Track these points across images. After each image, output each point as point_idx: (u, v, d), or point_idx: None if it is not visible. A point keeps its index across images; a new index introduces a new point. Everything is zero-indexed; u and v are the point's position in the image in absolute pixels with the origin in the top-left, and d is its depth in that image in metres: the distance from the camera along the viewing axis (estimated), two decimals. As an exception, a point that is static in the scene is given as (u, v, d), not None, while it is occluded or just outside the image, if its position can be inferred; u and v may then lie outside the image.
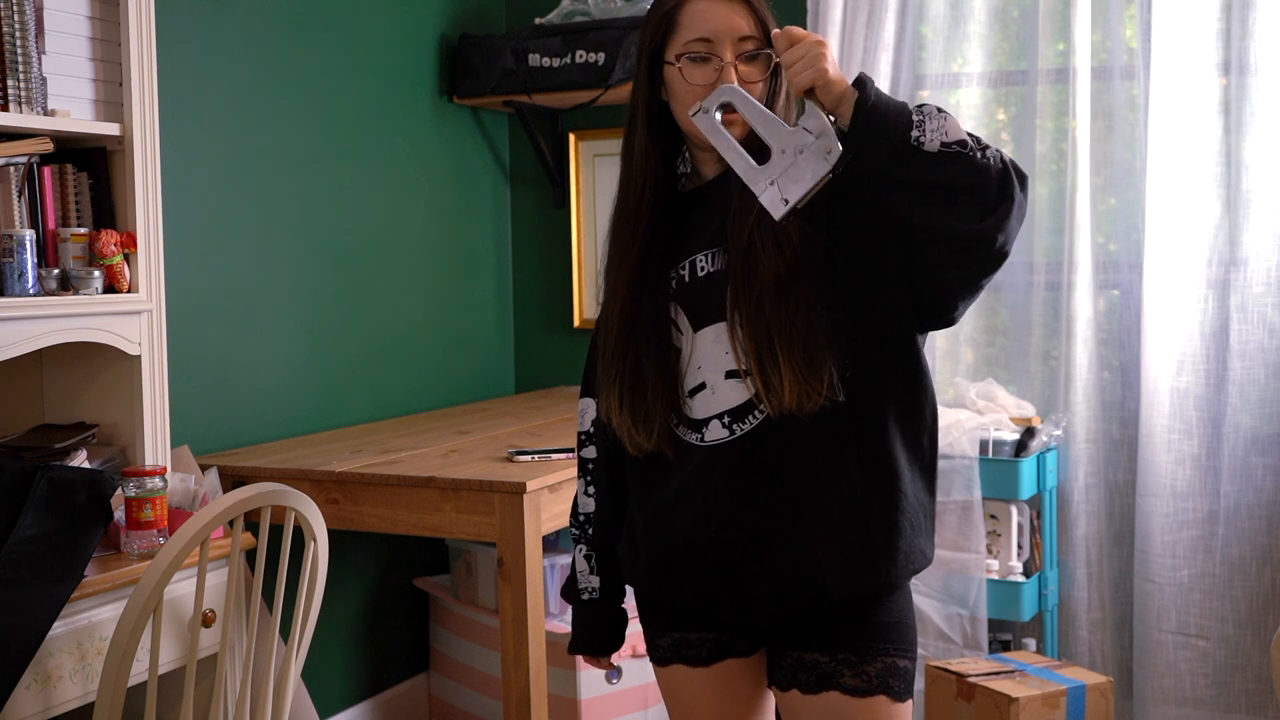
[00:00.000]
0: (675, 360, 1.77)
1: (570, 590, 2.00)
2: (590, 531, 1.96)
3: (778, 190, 1.57)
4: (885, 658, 1.74)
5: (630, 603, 1.99)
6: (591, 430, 1.96)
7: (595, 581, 1.96)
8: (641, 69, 1.80)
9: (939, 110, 1.55)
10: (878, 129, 1.53)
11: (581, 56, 3.78)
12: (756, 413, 1.71)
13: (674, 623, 1.86)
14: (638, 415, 1.78)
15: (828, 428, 1.70)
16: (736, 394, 1.72)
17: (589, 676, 3.23)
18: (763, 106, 1.62)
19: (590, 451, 1.96)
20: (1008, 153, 1.60)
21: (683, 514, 1.77)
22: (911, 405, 1.75)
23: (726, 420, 1.73)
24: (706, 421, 1.75)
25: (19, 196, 2.32)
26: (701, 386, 1.75)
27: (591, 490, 1.96)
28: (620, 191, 1.84)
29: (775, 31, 1.64)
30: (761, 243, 1.69)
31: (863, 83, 1.56)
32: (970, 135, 1.55)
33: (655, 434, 1.77)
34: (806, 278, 1.69)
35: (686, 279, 1.78)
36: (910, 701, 1.77)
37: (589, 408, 1.96)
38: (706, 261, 1.77)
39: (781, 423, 1.70)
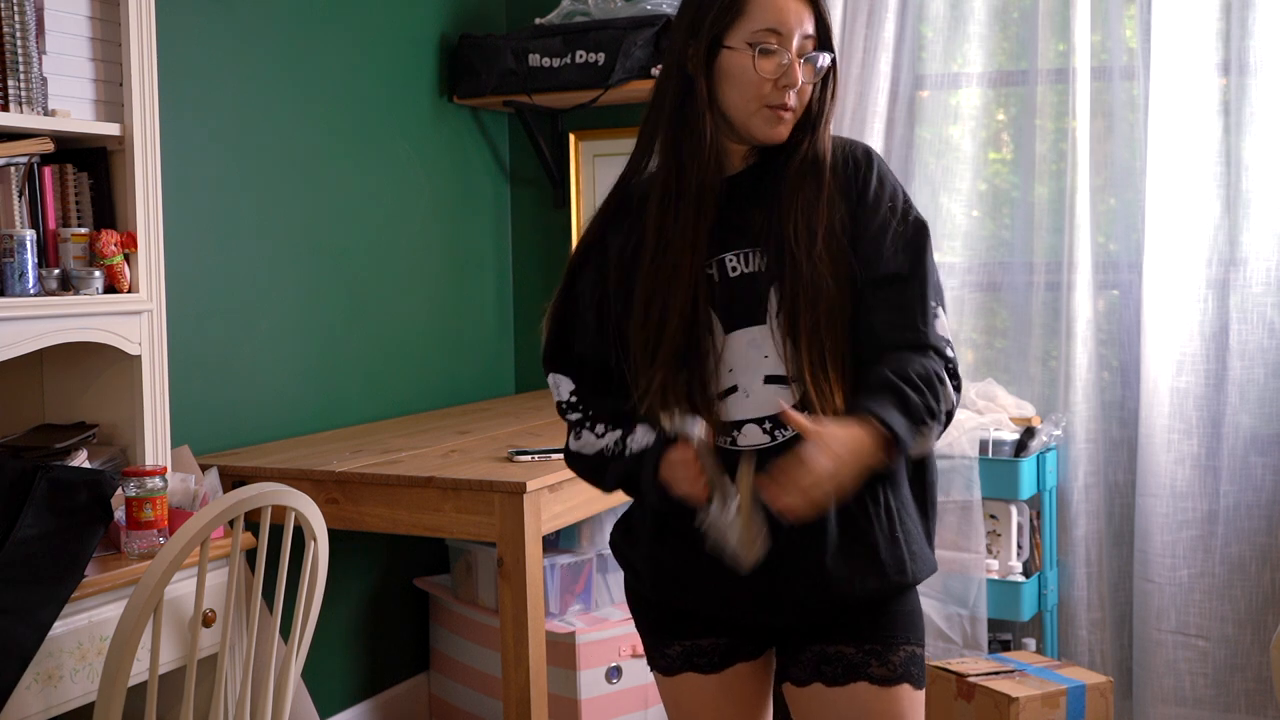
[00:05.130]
0: (706, 360, 1.74)
1: (611, 464, 1.81)
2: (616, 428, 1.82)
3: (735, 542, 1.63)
4: (907, 646, 1.77)
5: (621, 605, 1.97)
6: (573, 399, 1.86)
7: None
8: (700, 50, 1.73)
9: (932, 424, 1.67)
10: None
11: (582, 57, 3.78)
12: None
13: (684, 630, 1.84)
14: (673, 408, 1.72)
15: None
16: (779, 400, 1.70)
17: (589, 676, 3.23)
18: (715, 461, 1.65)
19: (575, 415, 1.86)
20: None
21: None
22: None
23: (768, 426, 1.72)
24: (740, 425, 1.73)
25: (19, 196, 2.32)
26: (733, 389, 1.73)
27: (600, 428, 1.82)
28: (673, 174, 1.74)
29: (808, 426, 1.60)
30: (819, 252, 1.70)
31: (892, 444, 1.62)
32: (941, 413, 1.68)
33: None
34: (844, 289, 1.71)
35: (716, 278, 1.75)
36: (924, 689, 1.80)
37: (561, 382, 1.87)
38: (739, 262, 1.74)
39: None
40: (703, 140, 1.74)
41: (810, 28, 1.73)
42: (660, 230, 1.76)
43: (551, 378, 1.91)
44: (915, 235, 1.75)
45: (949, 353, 1.73)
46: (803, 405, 1.69)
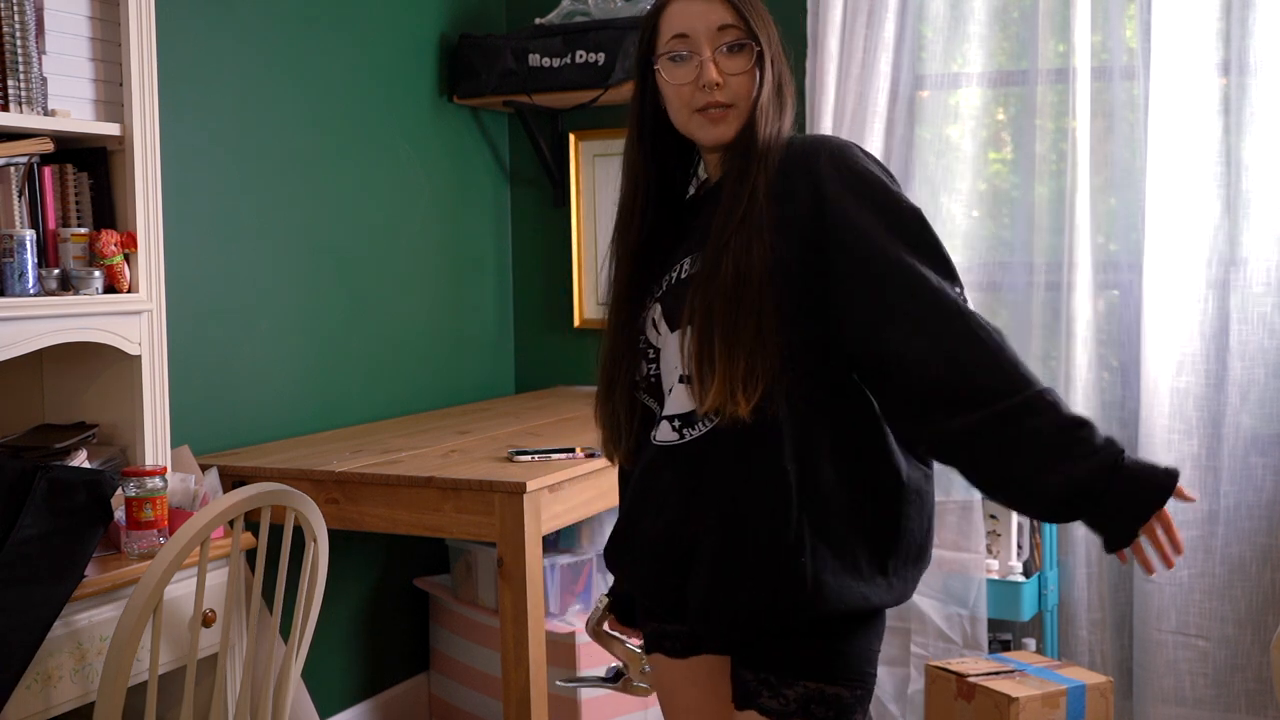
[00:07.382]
0: (654, 366, 1.78)
1: None
2: None
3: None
4: (810, 683, 1.68)
5: None
6: None
7: None
8: (637, 79, 1.81)
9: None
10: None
11: (581, 56, 3.79)
12: (706, 420, 1.69)
13: (654, 613, 1.89)
14: (615, 428, 1.84)
15: (772, 447, 1.65)
16: (686, 399, 1.72)
17: (589, 676, 3.23)
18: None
19: None
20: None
21: (636, 510, 1.82)
22: (851, 440, 1.69)
23: (677, 424, 1.73)
24: (660, 421, 1.77)
25: (19, 196, 2.32)
26: (671, 387, 1.76)
27: None
28: (619, 201, 1.85)
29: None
30: (728, 250, 1.66)
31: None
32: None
33: (629, 448, 1.84)
34: (764, 290, 1.64)
35: (672, 282, 1.77)
36: None
37: None
38: (689, 265, 1.75)
39: (727, 435, 1.66)
40: (635, 162, 1.82)
41: (727, 19, 1.70)
42: (615, 247, 1.85)
43: None
44: (919, 233, 1.69)
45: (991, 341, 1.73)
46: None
